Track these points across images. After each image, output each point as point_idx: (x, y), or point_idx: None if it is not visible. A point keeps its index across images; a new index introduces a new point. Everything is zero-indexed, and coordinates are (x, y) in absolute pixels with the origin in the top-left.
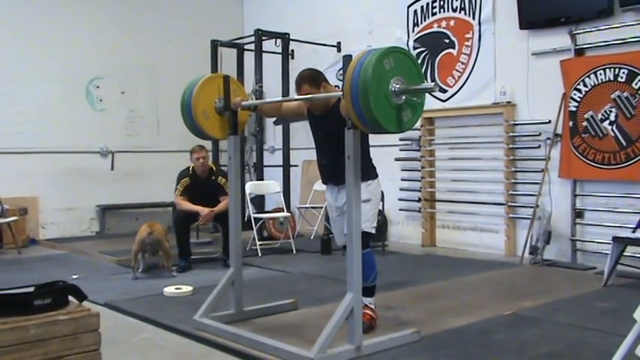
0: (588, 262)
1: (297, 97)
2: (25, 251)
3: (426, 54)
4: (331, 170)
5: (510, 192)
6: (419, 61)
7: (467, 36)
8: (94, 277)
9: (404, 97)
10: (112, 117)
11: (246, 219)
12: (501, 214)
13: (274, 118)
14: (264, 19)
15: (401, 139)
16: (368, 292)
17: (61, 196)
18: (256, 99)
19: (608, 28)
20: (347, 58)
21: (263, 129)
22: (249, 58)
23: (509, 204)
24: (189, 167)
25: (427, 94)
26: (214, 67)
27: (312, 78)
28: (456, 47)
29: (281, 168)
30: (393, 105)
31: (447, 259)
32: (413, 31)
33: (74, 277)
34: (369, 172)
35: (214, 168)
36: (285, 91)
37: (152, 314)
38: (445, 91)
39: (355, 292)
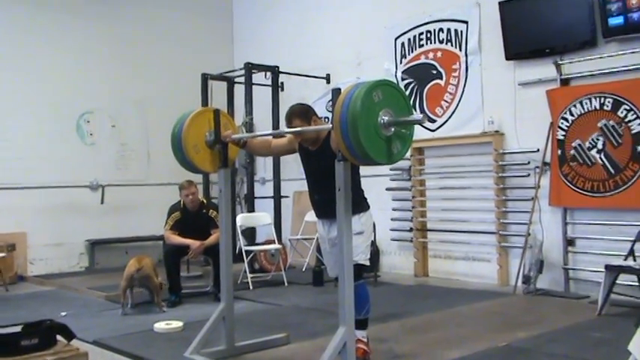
0: (582, 290)
1: (286, 130)
2: (13, 288)
3: (415, 85)
4: (324, 205)
5: (501, 220)
6: (407, 93)
7: (454, 67)
8: (83, 314)
9: (393, 129)
10: (103, 151)
11: (237, 251)
12: (493, 243)
13: None
14: (254, 52)
15: (391, 169)
16: (361, 324)
17: (50, 232)
18: (247, 131)
19: (592, 59)
20: (336, 92)
21: (253, 160)
22: (239, 91)
23: (501, 233)
24: (180, 201)
25: (416, 125)
26: (204, 101)
27: (303, 112)
28: (444, 78)
29: (272, 199)
30: (382, 137)
31: (439, 289)
32: (401, 62)
33: (63, 314)
34: (360, 204)
35: (205, 201)
36: (276, 124)
37: (142, 351)
38: (434, 121)
39: (348, 325)
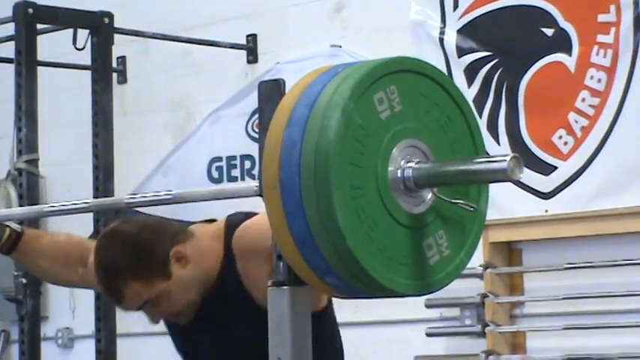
0: None
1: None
2: None
3: (494, 68)
4: None
5: None
6: (473, 93)
7: (601, 18)
8: None
9: (431, 196)
10: None
11: None
12: None
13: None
14: None
15: (428, 306)
16: None
17: None
18: (16, 201)
19: None
20: (270, 88)
21: (37, 283)
22: (3, 84)
23: None
24: None
25: (494, 186)
26: None
27: (125, 269)
28: (574, 49)
29: None
30: (400, 218)
31: None
32: (456, 4)
33: None
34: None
35: None
36: (107, 175)
37: None
38: (549, 171)
39: None
